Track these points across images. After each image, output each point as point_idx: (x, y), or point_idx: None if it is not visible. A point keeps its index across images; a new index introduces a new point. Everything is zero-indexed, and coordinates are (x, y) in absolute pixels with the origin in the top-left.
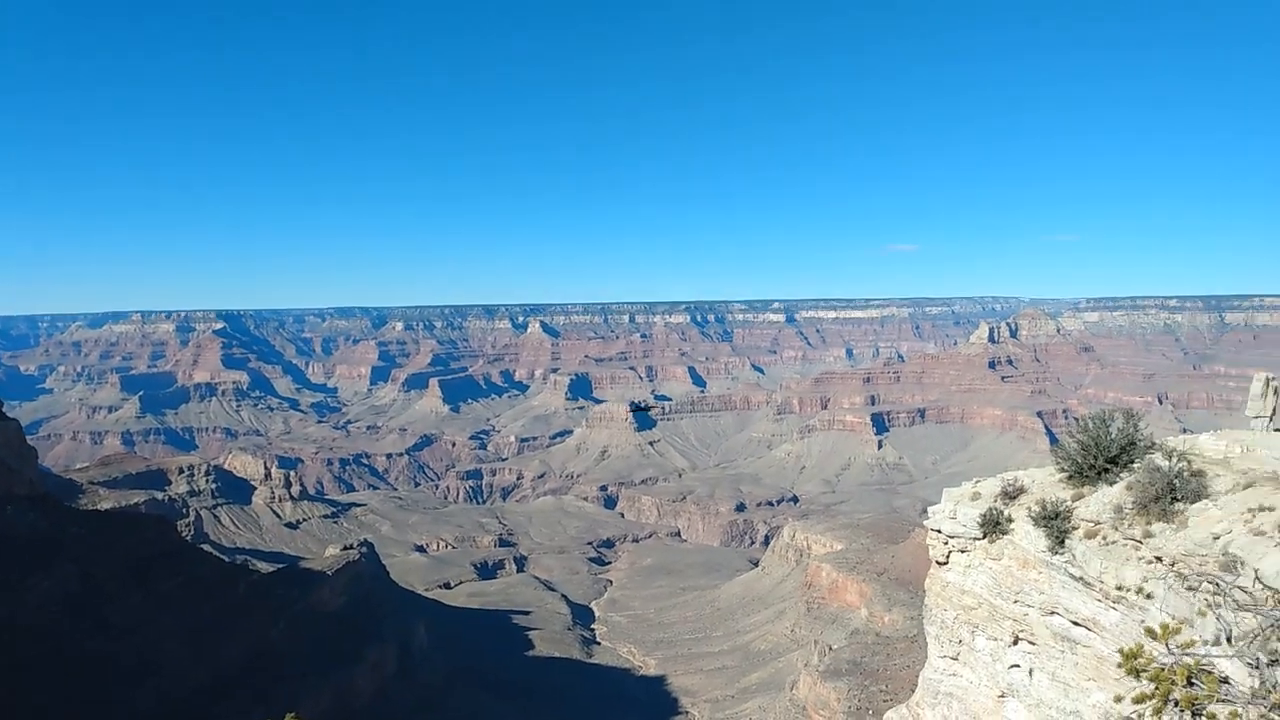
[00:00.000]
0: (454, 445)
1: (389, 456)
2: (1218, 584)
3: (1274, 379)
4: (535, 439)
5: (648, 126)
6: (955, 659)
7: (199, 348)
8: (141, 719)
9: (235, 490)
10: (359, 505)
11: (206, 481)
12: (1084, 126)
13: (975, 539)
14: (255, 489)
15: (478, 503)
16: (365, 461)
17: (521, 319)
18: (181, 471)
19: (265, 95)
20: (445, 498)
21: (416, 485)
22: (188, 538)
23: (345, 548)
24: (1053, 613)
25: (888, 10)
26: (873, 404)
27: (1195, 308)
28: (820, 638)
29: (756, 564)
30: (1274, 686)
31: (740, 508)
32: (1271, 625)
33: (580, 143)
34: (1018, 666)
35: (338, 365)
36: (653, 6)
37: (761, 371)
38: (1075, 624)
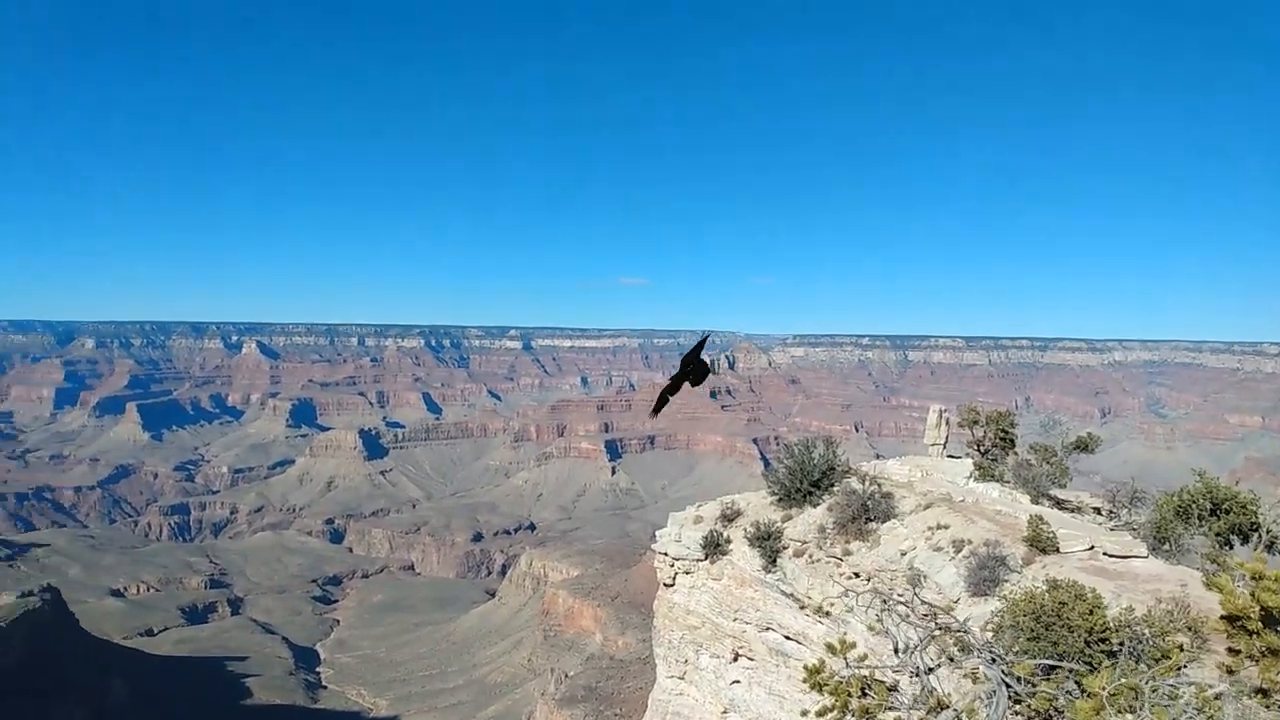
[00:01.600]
0: (156, 477)
1: (78, 490)
2: (884, 601)
3: (945, 411)
4: (252, 469)
5: (377, 146)
6: (682, 678)
7: None
8: None
9: None
10: (40, 546)
11: None
12: (785, 177)
13: (698, 560)
14: None
15: (185, 540)
16: (48, 496)
17: (235, 338)
18: None
19: None
20: (146, 535)
21: (112, 522)
22: None
23: (23, 594)
24: (768, 628)
25: (610, 58)
26: (607, 431)
27: (884, 346)
28: (557, 665)
29: (493, 594)
30: (931, 692)
31: (477, 537)
32: (929, 637)
33: (303, 158)
34: (738, 682)
35: (13, 386)
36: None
37: (499, 398)
38: (788, 638)
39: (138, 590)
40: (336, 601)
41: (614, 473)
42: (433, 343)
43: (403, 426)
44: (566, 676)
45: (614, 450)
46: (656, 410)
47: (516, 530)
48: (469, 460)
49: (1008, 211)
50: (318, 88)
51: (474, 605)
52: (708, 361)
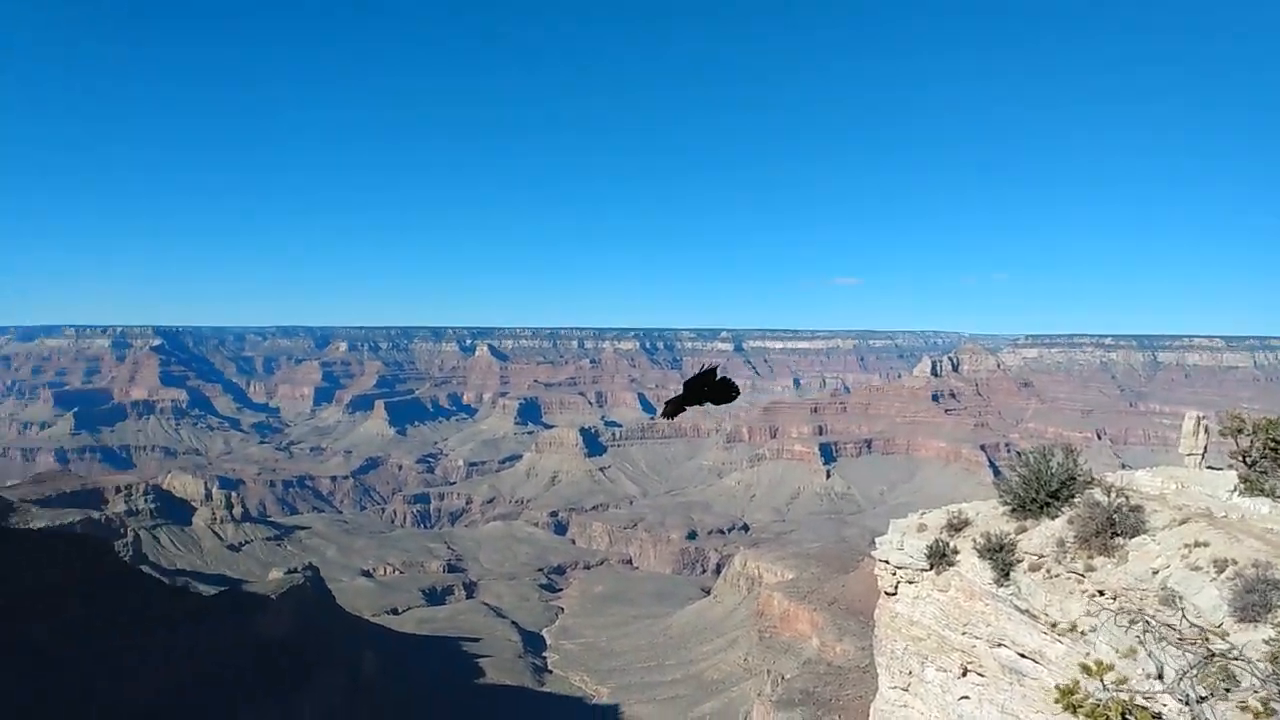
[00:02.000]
0: (400, 468)
1: (334, 479)
2: (1147, 622)
3: (1204, 418)
4: (484, 463)
5: (598, 158)
6: (906, 690)
7: (136, 364)
8: None
9: (175, 511)
10: (303, 528)
11: (145, 501)
12: (1012, 166)
13: (922, 570)
14: (196, 510)
15: (425, 527)
16: (309, 484)
17: (469, 342)
18: (119, 491)
19: (208, 104)
20: (392, 522)
21: (362, 509)
22: (125, 559)
23: (289, 571)
24: (1000, 644)
25: (821, 50)
26: (820, 434)
27: (1129, 346)
28: (773, 667)
29: (708, 592)
30: None
31: (692, 535)
32: (1200, 662)
33: (531, 170)
34: (967, 698)
35: (280, 385)
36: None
37: None
38: (1023, 656)
39: (384, 572)
40: (560, 590)
41: (828, 476)
42: (647, 345)
43: (620, 425)
44: (783, 679)
45: (828, 453)
46: (668, 414)
47: (730, 530)
48: (682, 459)
49: (1271, 194)
50: (542, 108)
51: (689, 601)
52: (730, 380)
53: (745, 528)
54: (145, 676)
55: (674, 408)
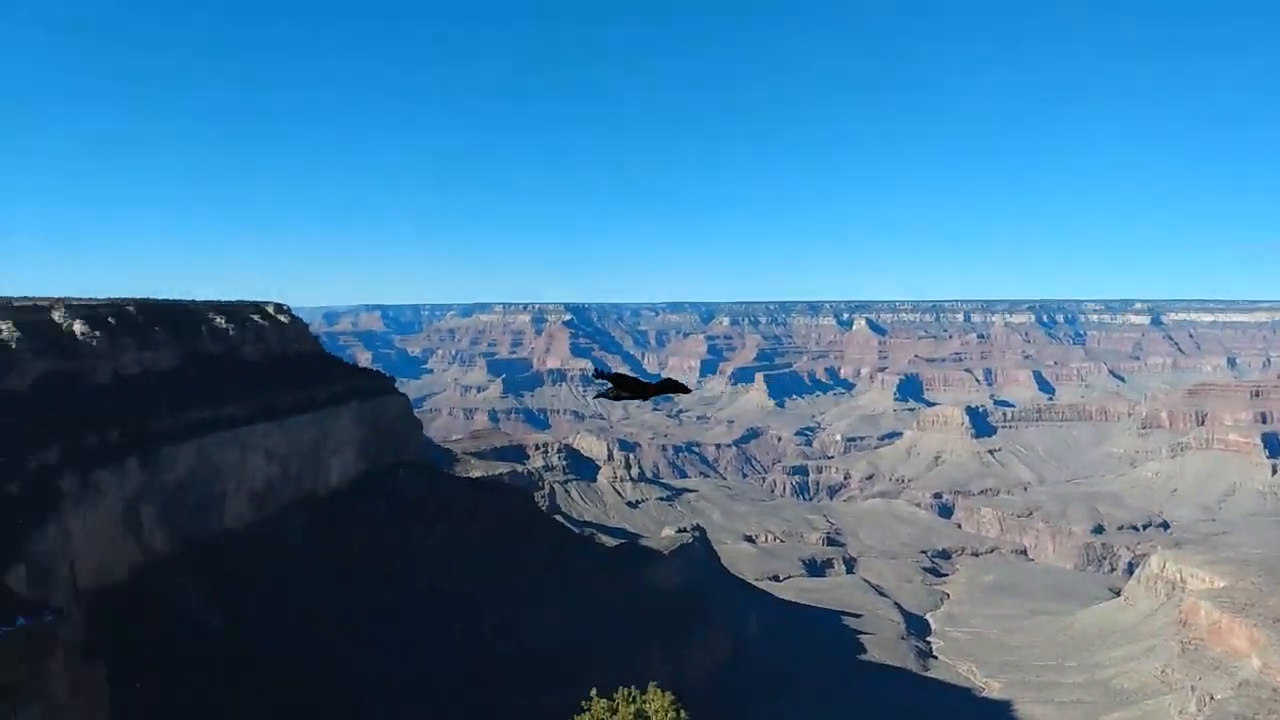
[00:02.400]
0: (779, 440)
1: (718, 446)
2: None
3: None
4: (862, 439)
5: (976, 111)
6: None
7: (550, 337)
8: (500, 669)
9: (582, 468)
10: (691, 491)
11: (559, 458)
12: None
13: None
14: (599, 468)
15: (804, 499)
16: (696, 450)
17: (846, 316)
18: (537, 448)
19: (598, 109)
20: (771, 491)
21: (744, 476)
22: (543, 508)
23: (680, 530)
24: None
25: None
26: (1264, 422)
27: None
28: (1199, 684)
29: (1118, 593)
30: None
31: (1098, 530)
32: None
33: (901, 135)
34: None
35: (669, 357)
36: None
37: (1121, 380)
38: None
39: (766, 539)
40: (945, 575)
41: (1274, 472)
42: (1044, 318)
43: (1012, 405)
44: (1211, 698)
45: (1273, 445)
46: (609, 397)
47: (1145, 527)
48: (1086, 445)
49: None
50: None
51: (1094, 601)
52: (675, 380)
53: (1164, 525)
54: (555, 614)
55: (611, 395)
